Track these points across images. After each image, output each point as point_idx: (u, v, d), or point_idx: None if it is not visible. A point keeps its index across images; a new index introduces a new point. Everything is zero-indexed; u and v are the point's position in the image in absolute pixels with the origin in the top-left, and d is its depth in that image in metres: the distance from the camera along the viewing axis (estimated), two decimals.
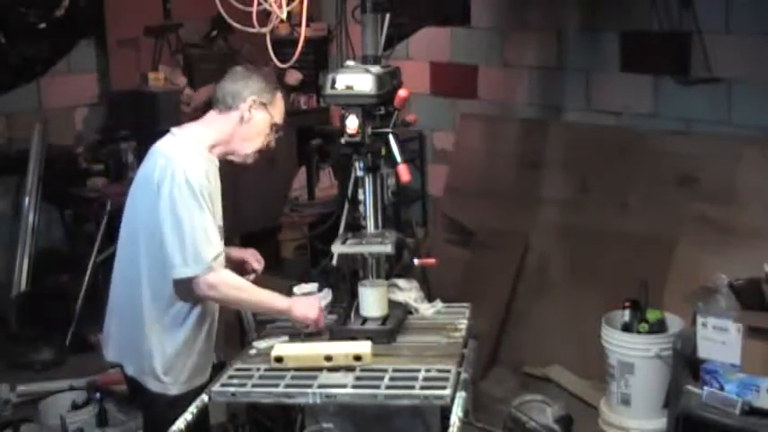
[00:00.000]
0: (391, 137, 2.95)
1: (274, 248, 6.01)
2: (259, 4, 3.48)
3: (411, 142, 5.81)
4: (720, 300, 3.35)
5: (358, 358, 2.69)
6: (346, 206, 4.28)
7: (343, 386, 2.59)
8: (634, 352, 4.03)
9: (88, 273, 5.20)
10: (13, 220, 5.57)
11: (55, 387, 4.42)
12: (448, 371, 2.64)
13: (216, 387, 2.66)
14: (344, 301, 3.10)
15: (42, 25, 5.60)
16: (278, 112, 2.93)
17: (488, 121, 5.56)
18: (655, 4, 4.64)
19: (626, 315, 4.14)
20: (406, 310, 3.11)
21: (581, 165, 4.96)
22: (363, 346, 2.73)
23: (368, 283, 3.03)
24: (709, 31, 4.50)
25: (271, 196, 6.11)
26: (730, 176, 4.32)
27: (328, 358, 2.69)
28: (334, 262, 3.75)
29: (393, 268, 3.35)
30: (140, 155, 2.97)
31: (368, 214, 3.06)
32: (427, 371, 2.65)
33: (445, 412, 2.57)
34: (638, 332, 4.07)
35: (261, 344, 2.94)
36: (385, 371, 2.66)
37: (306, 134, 6.23)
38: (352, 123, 2.88)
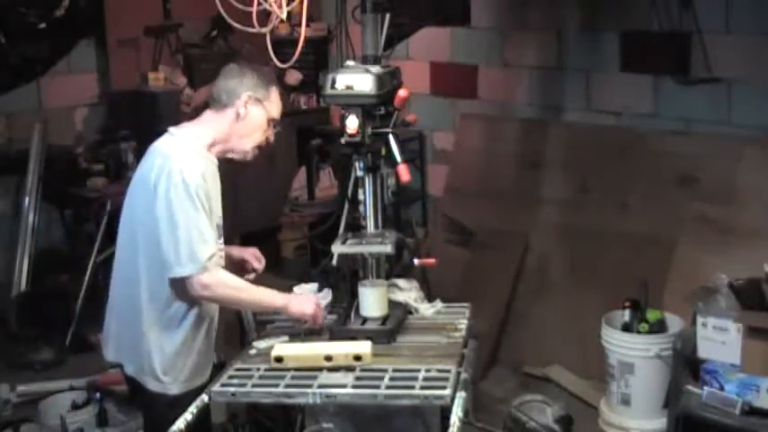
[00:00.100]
0: (391, 137, 2.95)
1: (274, 248, 6.01)
2: (259, 4, 3.48)
3: (411, 142, 5.81)
4: (720, 300, 3.35)
5: (358, 358, 2.69)
6: (346, 206, 4.27)
7: (343, 386, 2.59)
8: (634, 352, 4.03)
9: (88, 273, 5.20)
10: (13, 220, 5.57)
11: (55, 387, 4.42)
12: (448, 371, 2.64)
13: (216, 387, 2.66)
14: (344, 301, 3.10)
15: (42, 25, 5.60)
16: (274, 106, 2.93)
17: (488, 121, 5.56)
18: (655, 4, 4.64)
19: (626, 315, 4.14)
20: (406, 310, 3.12)
21: (581, 165, 4.96)
22: (363, 346, 2.73)
23: (368, 283, 3.03)
24: (709, 31, 4.50)
25: (271, 196, 6.11)
26: (730, 176, 4.32)
27: (328, 358, 2.69)
28: (334, 262, 3.74)
29: (393, 268, 3.34)
30: (140, 155, 2.96)
31: (368, 214, 3.06)
32: (427, 371, 2.65)
33: (445, 412, 2.57)
34: (638, 332, 4.07)
35: (261, 344, 2.94)
36: (385, 371, 2.66)
37: (306, 134, 6.23)
38: (352, 123, 2.88)
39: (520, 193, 5.16)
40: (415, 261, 3.20)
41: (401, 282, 3.20)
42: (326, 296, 3.10)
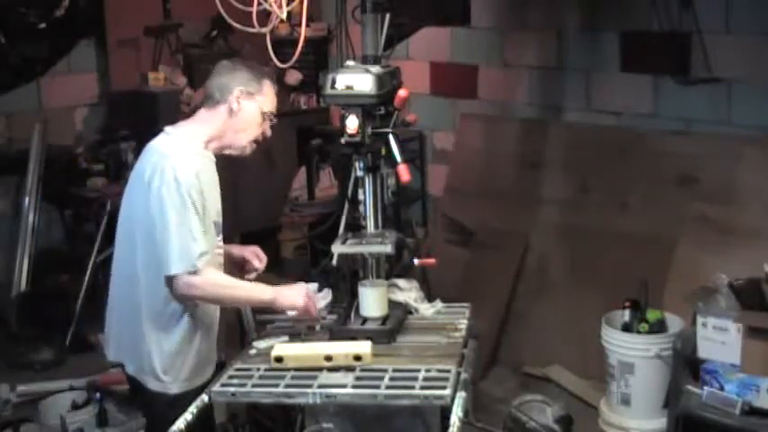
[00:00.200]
0: (391, 137, 2.95)
1: (274, 248, 6.00)
2: (259, 4, 3.48)
3: (411, 142, 5.81)
4: (720, 300, 3.35)
5: (358, 358, 2.69)
6: (346, 206, 4.26)
7: (343, 386, 2.59)
8: (634, 352, 4.03)
9: (88, 273, 5.20)
10: (13, 220, 5.57)
11: (55, 387, 4.42)
12: (448, 371, 2.64)
13: (216, 387, 2.66)
14: (344, 301, 3.10)
15: (42, 25, 5.60)
16: (267, 100, 2.93)
17: (488, 121, 5.55)
18: (655, 4, 4.64)
19: (626, 315, 4.14)
20: (406, 310, 3.11)
21: (581, 165, 4.96)
22: (363, 346, 2.73)
23: (368, 283, 3.03)
24: (709, 31, 4.49)
25: (271, 196, 6.12)
26: (730, 176, 4.32)
27: (328, 358, 2.69)
28: (334, 262, 3.74)
29: (393, 268, 3.34)
30: (140, 155, 2.97)
31: (368, 214, 3.05)
32: (427, 371, 2.65)
33: (445, 412, 2.57)
34: (638, 332, 4.07)
35: (261, 344, 2.94)
36: (385, 371, 2.66)
37: (306, 134, 6.23)
38: (352, 123, 2.88)
39: (520, 193, 5.16)
40: (415, 261, 3.20)
41: (401, 282, 3.20)
42: (326, 296, 3.10)
